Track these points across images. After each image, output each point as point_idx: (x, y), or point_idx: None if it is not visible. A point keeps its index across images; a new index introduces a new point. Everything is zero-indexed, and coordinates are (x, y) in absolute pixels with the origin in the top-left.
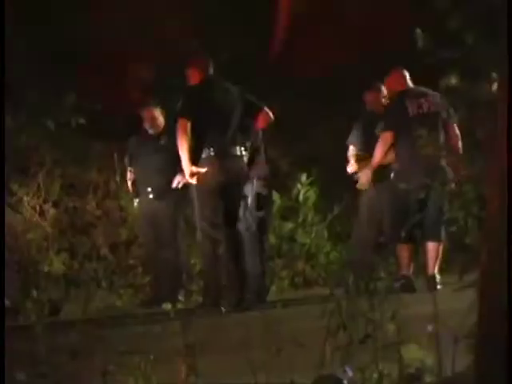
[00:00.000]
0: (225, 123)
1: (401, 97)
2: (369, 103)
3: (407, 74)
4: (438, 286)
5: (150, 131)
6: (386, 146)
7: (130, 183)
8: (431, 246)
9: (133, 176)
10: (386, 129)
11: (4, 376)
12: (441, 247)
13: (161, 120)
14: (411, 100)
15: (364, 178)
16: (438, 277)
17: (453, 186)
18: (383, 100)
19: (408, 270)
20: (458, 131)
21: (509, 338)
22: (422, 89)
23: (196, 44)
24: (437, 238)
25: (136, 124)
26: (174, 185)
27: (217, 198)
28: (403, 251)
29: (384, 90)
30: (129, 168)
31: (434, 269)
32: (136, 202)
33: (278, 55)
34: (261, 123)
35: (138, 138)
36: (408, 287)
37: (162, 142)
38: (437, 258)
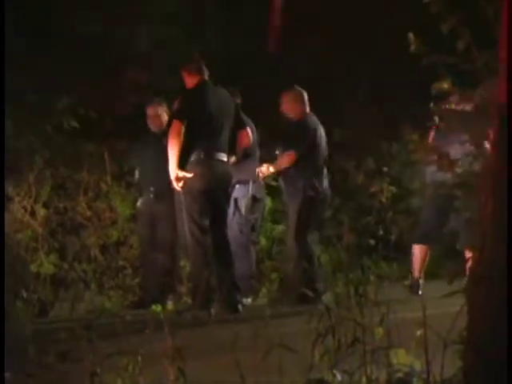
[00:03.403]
0: (216, 128)
1: None
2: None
3: None
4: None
5: (154, 130)
6: None
7: (135, 182)
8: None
9: (137, 175)
10: None
11: (4, 376)
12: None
13: (165, 118)
14: None
15: None
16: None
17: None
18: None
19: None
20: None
21: (498, 344)
22: None
23: (191, 48)
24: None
25: (130, 124)
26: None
27: (204, 202)
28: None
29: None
30: (137, 168)
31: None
32: (139, 202)
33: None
34: (241, 143)
35: (144, 137)
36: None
37: (165, 141)
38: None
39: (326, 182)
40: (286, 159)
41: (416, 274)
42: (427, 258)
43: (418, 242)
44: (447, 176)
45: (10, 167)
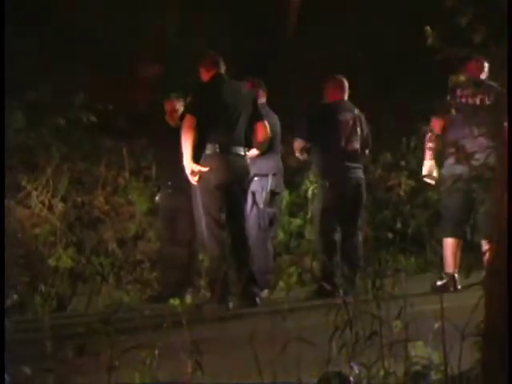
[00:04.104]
0: (231, 122)
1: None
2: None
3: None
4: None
5: (171, 124)
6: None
7: (154, 177)
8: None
9: (155, 170)
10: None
11: (4, 376)
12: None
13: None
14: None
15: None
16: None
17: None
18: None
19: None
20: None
21: None
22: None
23: (206, 42)
24: (458, 235)
25: (148, 120)
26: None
27: (221, 196)
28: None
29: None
30: (155, 163)
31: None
32: (157, 196)
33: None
34: (258, 136)
35: (161, 131)
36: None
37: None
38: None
39: (356, 172)
40: (295, 146)
41: (451, 269)
42: (459, 252)
43: (450, 236)
44: (464, 169)
45: (27, 162)
